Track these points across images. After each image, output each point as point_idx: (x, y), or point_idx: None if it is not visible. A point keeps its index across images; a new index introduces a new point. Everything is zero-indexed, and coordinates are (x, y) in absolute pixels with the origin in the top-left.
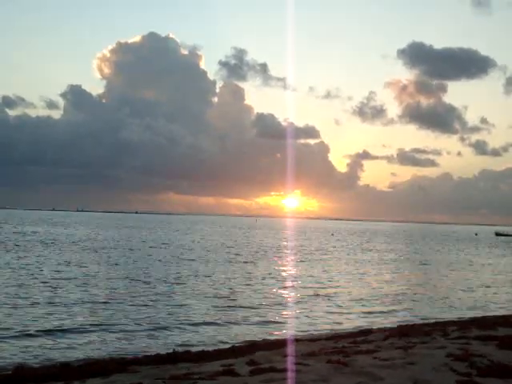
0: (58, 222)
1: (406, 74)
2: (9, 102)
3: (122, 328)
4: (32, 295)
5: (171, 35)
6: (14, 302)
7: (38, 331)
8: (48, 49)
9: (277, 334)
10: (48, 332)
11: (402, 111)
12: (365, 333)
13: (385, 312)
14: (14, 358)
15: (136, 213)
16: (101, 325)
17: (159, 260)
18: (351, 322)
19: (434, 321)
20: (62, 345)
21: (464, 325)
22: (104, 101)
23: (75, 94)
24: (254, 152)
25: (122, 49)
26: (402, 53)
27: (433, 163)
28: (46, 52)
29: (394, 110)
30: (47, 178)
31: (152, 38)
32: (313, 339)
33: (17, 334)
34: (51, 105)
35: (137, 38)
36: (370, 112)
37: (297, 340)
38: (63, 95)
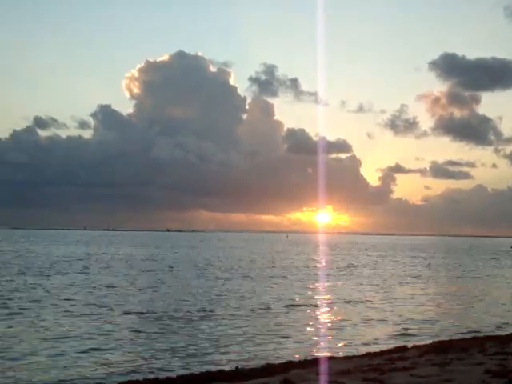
0: (96, 241)
1: (438, 86)
2: (40, 123)
3: (160, 347)
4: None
5: (200, 53)
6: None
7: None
8: (78, 69)
9: (311, 352)
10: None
11: (435, 123)
12: (400, 349)
13: (421, 328)
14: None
15: (167, 230)
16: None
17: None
18: (386, 339)
19: (471, 336)
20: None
21: (502, 340)
22: (134, 120)
23: (105, 114)
24: (285, 167)
25: (150, 68)
26: (433, 64)
27: (467, 175)
28: (76, 73)
29: (426, 122)
30: (78, 197)
31: (181, 56)
32: (348, 357)
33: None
34: (82, 125)
35: (165, 57)
36: (402, 125)
37: (332, 358)
38: (94, 115)
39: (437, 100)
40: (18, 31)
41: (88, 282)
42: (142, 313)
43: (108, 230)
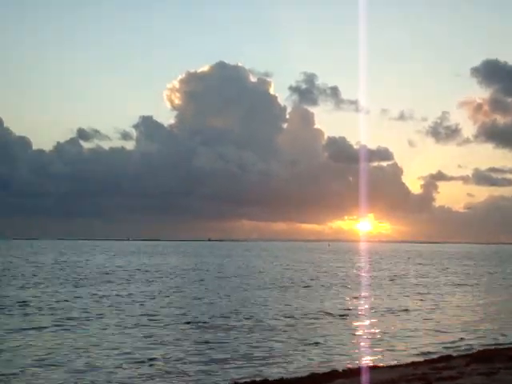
0: (142, 251)
1: (480, 93)
2: (84, 135)
3: (211, 356)
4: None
5: (240, 63)
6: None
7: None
8: (120, 82)
9: (355, 362)
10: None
11: (478, 130)
12: (446, 358)
13: (466, 336)
14: None
15: (209, 240)
16: None
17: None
18: (430, 348)
19: None
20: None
21: None
22: (175, 130)
23: (147, 125)
24: (326, 176)
25: (191, 79)
26: (475, 71)
27: (510, 182)
28: (118, 85)
29: (468, 129)
30: (121, 208)
31: (221, 66)
32: (392, 366)
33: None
34: (125, 136)
35: (206, 68)
36: (444, 132)
37: (375, 367)
38: (136, 126)
39: (479, 107)
40: (60, 45)
41: (149, 292)
42: (204, 322)
43: (150, 240)
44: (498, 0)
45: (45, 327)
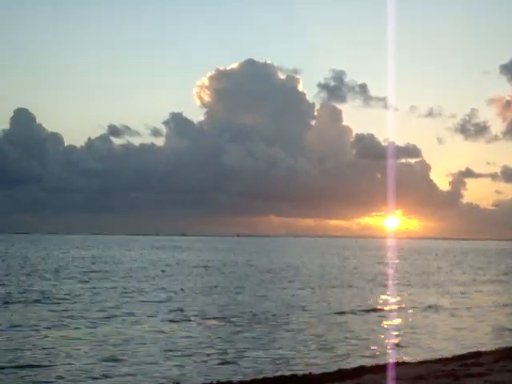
0: (178, 246)
1: (509, 90)
2: (114, 131)
3: (232, 350)
4: None
5: (269, 61)
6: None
7: None
8: (150, 79)
9: (384, 358)
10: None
11: (507, 127)
12: (475, 355)
13: (494, 334)
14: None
15: (238, 236)
16: None
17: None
18: (459, 344)
19: None
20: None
21: None
22: (204, 127)
23: (177, 122)
24: (354, 173)
25: (220, 76)
26: (505, 68)
27: None
28: (148, 82)
29: (497, 126)
30: (151, 203)
31: (250, 64)
32: (420, 362)
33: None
34: (155, 132)
35: (235, 65)
36: (472, 129)
37: (404, 363)
38: (166, 123)
39: (508, 104)
40: (93, 43)
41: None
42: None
43: (180, 235)
44: None
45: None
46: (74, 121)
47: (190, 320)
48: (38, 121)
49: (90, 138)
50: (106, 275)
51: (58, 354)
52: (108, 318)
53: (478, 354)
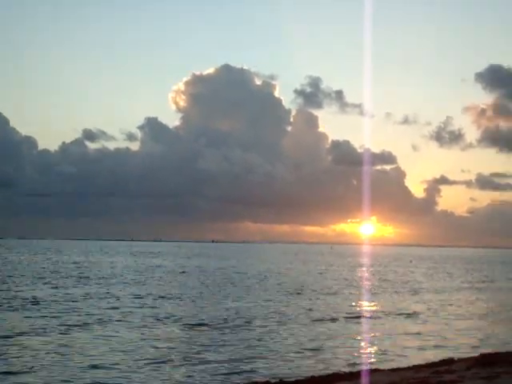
0: (152, 251)
1: (484, 98)
2: (89, 135)
3: (204, 358)
4: None
5: (245, 66)
6: None
7: None
8: (126, 83)
9: (357, 365)
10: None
11: (481, 135)
12: (447, 362)
13: (466, 341)
14: None
15: (213, 241)
16: None
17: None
18: (431, 352)
19: None
20: None
21: None
22: (180, 132)
23: (152, 127)
24: (330, 179)
25: (196, 81)
26: (480, 76)
27: None
28: (123, 86)
29: (472, 134)
30: (126, 208)
31: (226, 69)
32: (393, 369)
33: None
34: (130, 137)
35: (211, 70)
36: (447, 137)
37: (377, 370)
38: (141, 128)
39: (483, 112)
40: (68, 45)
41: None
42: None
43: (155, 240)
44: (502, 6)
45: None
46: (48, 124)
47: (163, 325)
48: (12, 124)
49: (64, 142)
50: (79, 281)
51: (28, 362)
52: (80, 325)
53: (450, 361)
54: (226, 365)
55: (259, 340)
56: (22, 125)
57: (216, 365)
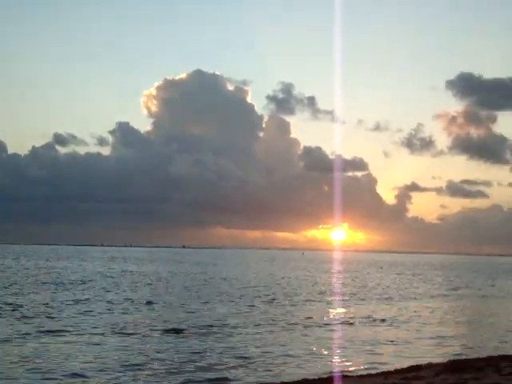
0: (121, 257)
1: (455, 105)
2: (60, 140)
3: (180, 360)
4: None
5: (217, 72)
6: None
7: None
8: (97, 87)
9: (325, 371)
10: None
11: (452, 142)
12: (415, 368)
13: (435, 346)
14: None
15: (183, 247)
16: None
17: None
18: (399, 358)
19: (486, 355)
20: None
21: None
22: (152, 137)
23: (124, 131)
24: (302, 185)
25: (168, 86)
26: (450, 84)
27: (483, 194)
28: (94, 90)
29: (443, 141)
30: (96, 213)
31: (198, 74)
32: (362, 375)
33: None
34: (101, 142)
35: (183, 75)
36: (418, 144)
37: (346, 376)
38: (112, 132)
39: (453, 119)
40: (37, 47)
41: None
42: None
43: (125, 246)
44: (473, 14)
45: None
46: (18, 128)
47: (133, 333)
48: None
49: (34, 146)
50: (46, 286)
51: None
52: (49, 331)
53: (418, 368)
54: (197, 371)
55: (232, 348)
56: None
57: (191, 371)
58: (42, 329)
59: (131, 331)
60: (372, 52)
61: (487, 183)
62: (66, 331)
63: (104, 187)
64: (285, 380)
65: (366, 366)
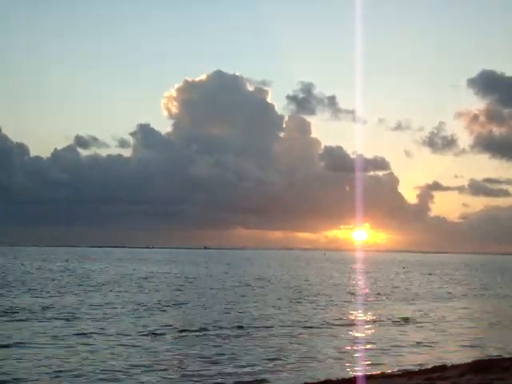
0: (144, 258)
1: (476, 103)
2: (81, 142)
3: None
4: None
5: (237, 73)
6: None
7: None
8: (118, 90)
9: (349, 371)
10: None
11: (474, 141)
12: (440, 369)
13: (460, 346)
14: None
15: (205, 248)
16: None
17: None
18: (424, 358)
19: (510, 356)
20: None
21: None
22: (172, 138)
23: (144, 133)
24: (323, 185)
25: (188, 87)
26: (472, 81)
27: (506, 193)
28: (116, 93)
29: (465, 139)
30: (118, 215)
31: (218, 75)
32: (386, 376)
33: None
34: (122, 144)
35: (203, 77)
36: (440, 142)
37: (370, 377)
38: (133, 134)
39: (475, 117)
40: (60, 50)
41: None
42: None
43: (147, 247)
44: (495, 12)
45: None
46: (40, 131)
47: (163, 334)
48: (3, 131)
49: (56, 149)
50: (73, 289)
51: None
52: (78, 334)
53: (443, 368)
54: (216, 371)
55: (251, 346)
56: (14, 132)
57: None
58: (71, 331)
59: (163, 331)
60: (393, 51)
61: (510, 181)
62: (95, 333)
63: (125, 189)
64: (308, 381)
65: (390, 367)
